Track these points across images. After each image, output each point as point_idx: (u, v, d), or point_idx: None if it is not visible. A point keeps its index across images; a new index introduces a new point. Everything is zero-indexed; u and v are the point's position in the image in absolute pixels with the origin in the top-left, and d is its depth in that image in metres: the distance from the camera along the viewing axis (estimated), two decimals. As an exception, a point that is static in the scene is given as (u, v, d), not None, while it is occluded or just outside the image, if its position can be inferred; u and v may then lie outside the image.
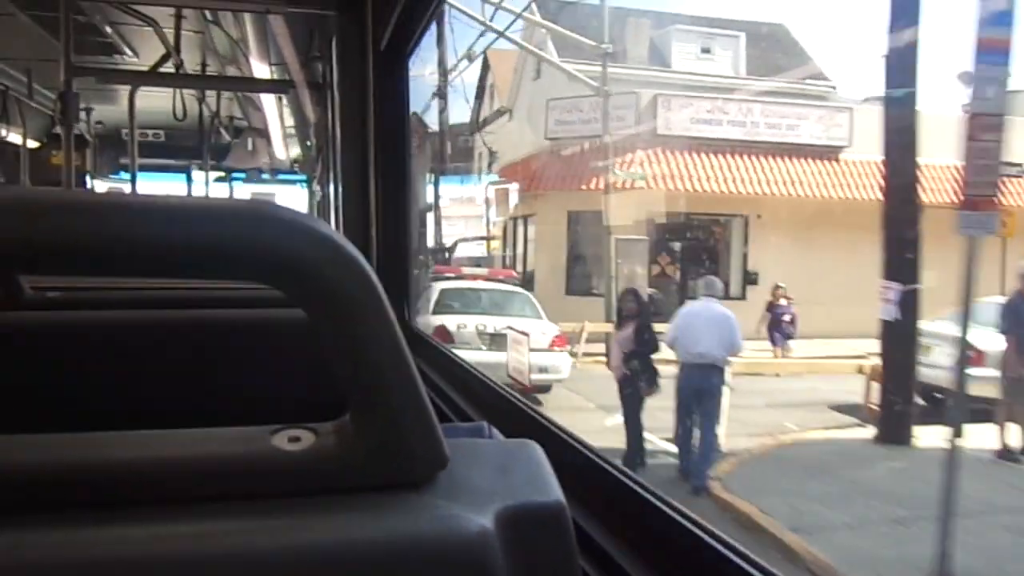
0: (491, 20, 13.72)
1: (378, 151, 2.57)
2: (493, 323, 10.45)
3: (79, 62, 4.11)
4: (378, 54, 2.49)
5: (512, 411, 1.27)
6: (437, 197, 19.27)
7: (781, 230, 15.96)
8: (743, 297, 16.68)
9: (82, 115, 5.92)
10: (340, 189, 2.99)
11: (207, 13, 4.11)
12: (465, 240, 20.06)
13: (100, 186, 7.56)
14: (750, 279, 17.22)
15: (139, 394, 0.84)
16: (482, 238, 20.05)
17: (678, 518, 0.78)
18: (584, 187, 16.22)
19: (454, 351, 2.08)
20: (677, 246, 17.61)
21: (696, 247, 17.92)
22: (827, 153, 16.99)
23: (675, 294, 16.34)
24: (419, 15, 2.18)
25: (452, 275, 12.27)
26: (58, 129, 4.62)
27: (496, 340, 10.21)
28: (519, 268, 18.58)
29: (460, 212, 23.18)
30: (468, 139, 20.68)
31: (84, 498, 0.49)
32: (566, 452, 1.00)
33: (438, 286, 11.48)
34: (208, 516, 0.49)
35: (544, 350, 10.06)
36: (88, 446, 0.52)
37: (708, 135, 16.70)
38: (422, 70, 13.92)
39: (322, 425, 0.53)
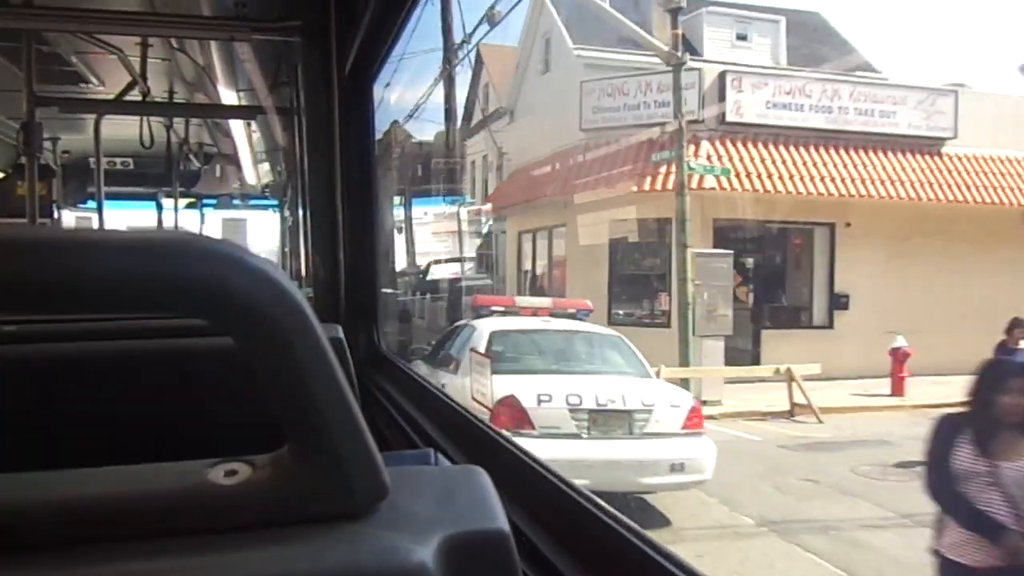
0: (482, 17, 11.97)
1: (345, 175, 2.57)
2: (588, 389, 6.49)
3: (43, 91, 4.07)
4: (343, 79, 2.50)
5: (475, 433, 1.27)
6: (409, 218, 18.78)
7: (874, 241, 12.98)
8: (829, 325, 13.84)
9: (48, 144, 5.86)
10: (308, 213, 2.98)
11: (173, 41, 4.10)
12: (439, 262, 18.67)
13: (67, 216, 7.47)
14: (838, 303, 13.87)
15: (74, 430, 0.83)
16: (455, 259, 18.09)
17: (631, 537, 0.78)
18: (637, 188, 12.98)
19: (449, 394, 2.02)
20: (750, 262, 14.02)
21: (770, 264, 14.50)
22: (928, 146, 13.89)
23: (748, 324, 13.29)
24: (382, 39, 2.19)
25: (500, 309, 8.53)
26: (22, 159, 4.56)
27: (603, 421, 6.37)
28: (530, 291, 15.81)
29: (446, 229, 21.11)
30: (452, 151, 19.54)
31: (16, 540, 0.48)
32: (525, 474, 1.00)
33: (484, 328, 7.71)
34: (145, 554, 0.48)
35: (674, 434, 6.38)
36: (20, 486, 0.51)
37: (786, 122, 13.49)
38: (397, 86, 12.99)
39: (259, 458, 0.53)
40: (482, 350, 7.18)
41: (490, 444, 1.17)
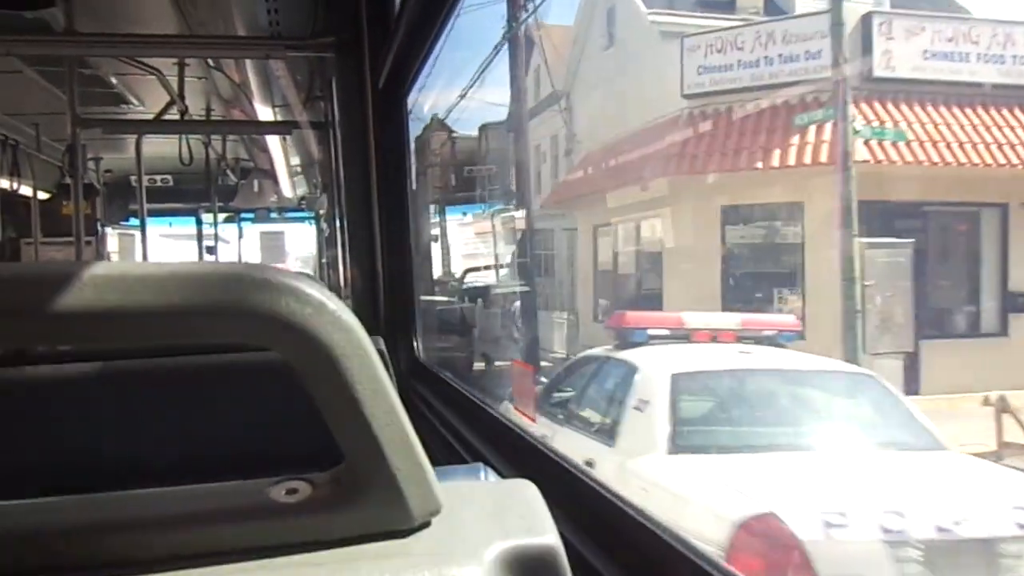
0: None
1: (380, 186, 2.61)
2: (888, 487, 3.69)
3: (86, 113, 4.19)
4: (377, 92, 2.53)
5: (521, 445, 1.27)
6: (444, 227, 18.35)
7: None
8: (1003, 332, 10.71)
9: (91, 164, 6.03)
10: (346, 225, 3.02)
11: (210, 60, 4.18)
12: (476, 269, 17.49)
13: (111, 233, 7.65)
14: (1015, 304, 10.76)
15: (129, 448, 0.85)
16: (486, 267, 16.65)
17: (683, 550, 0.78)
18: (763, 165, 10.13)
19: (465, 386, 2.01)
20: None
21: (926, 256, 10.72)
22: None
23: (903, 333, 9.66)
24: (415, 53, 2.22)
25: (664, 332, 5.14)
26: (67, 179, 4.69)
27: (952, 565, 3.30)
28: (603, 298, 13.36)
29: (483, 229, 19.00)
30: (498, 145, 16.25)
31: (82, 563, 0.49)
32: (576, 487, 1.00)
33: (653, 368, 4.66)
34: (211, 574, 0.49)
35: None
36: (84, 509, 0.53)
37: (948, 76, 10.49)
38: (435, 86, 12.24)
39: (318, 476, 0.54)
40: (665, 408, 4.23)
41: (537, 456, 1.17)
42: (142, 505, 0.53)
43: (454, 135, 16.65)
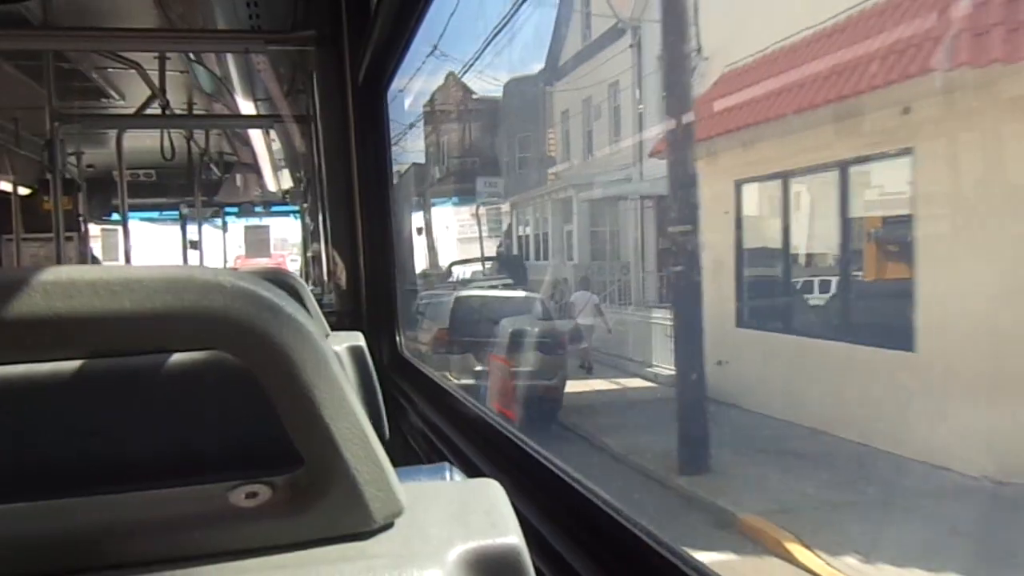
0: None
1: (361, 179, 2.60)
2: None
3: (65, 108, 4.15)
4: (357, 86, 2.52)
5: (496, 439, 1.28)
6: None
7: None
8: None
9: (72, 159, 5.96)
10: (328, 219, 3.01)
11: (190, 54, 4.15)
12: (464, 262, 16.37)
13: (93, 229, 7.58)
14: None
15: (86, 450, 0.84)
16: (473, 260, 15.89)
17: (650, 542, 0.78)
18: None
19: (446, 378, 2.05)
20: None
21: None
22: None
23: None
24: (394, 47, 2.21)
25: None
26: (47, 175, 4.65)
27: None
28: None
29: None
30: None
31: (41, 570, 0.49)
32: (546, 482, 1.01)
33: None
34: None
35: None
36: (41, 516, 0.52)
37: None
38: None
39: (278, 479, 0.54)
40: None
41: (510, 449, 1.18)
42: (101, 510, 0.53)
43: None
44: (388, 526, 0.54)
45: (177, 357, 0.86)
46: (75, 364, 0.86)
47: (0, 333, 0.46)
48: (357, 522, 0.53)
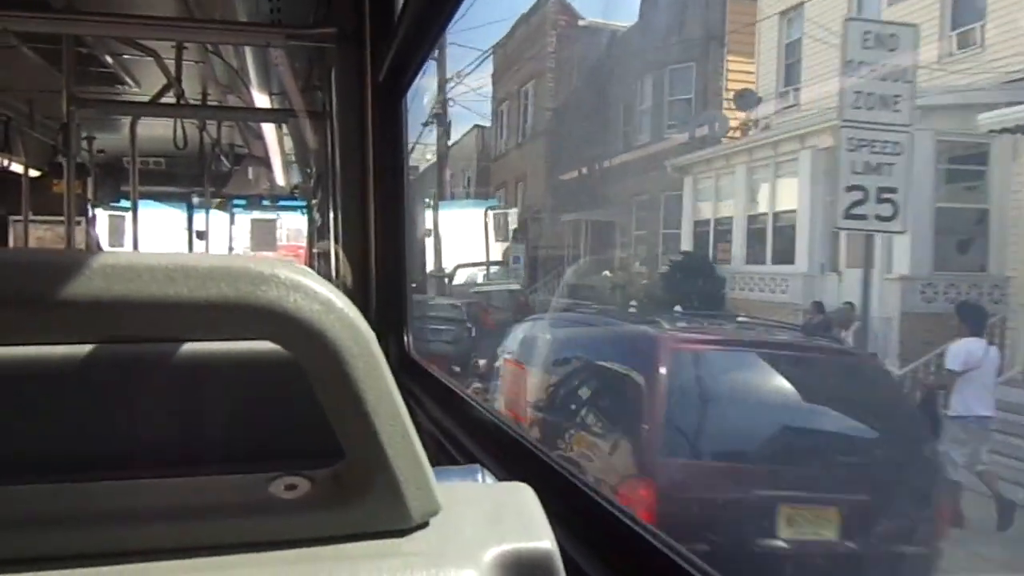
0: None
1: (376, 180, 2.60)
2: None
3: (81, 93, 4.15)
4: (376, 85, 2.52)
5: (511, 445, 1.27)
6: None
7: None
8: None
9: (84, 144, 5.97)
10: (339, 216, 3.01)
11: (208, 45, 4.16)
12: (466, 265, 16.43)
13: (101, 214, 7.59)
14: None
15: (128, 432, 0.84)
16: (479, 263, 15.83)
17: (676, 559, 0.78)
18: None
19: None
20: None
21: None
22: None
23: None
24: (416, 48, 2.21)
25: None
26: (60, 158, 4.65)
27: None
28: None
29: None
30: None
31: (78, 550, 0.49)
32: (567, 491, 1.00)
33: None
34: (206, 568, 0.49)
35: None
36: (82, 496, 0.52)
37: None
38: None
39: (318, 472, 0.54)
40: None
41: (529, 458, 1.17)
42: (142, 494, 0.53)
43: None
44: (424, 525, 0.54)
45: (220, 345, 0.86)
46: (116, 348, 0.86)
47: (61, 313, 0.46)
48: (395, 519, 0.53)
